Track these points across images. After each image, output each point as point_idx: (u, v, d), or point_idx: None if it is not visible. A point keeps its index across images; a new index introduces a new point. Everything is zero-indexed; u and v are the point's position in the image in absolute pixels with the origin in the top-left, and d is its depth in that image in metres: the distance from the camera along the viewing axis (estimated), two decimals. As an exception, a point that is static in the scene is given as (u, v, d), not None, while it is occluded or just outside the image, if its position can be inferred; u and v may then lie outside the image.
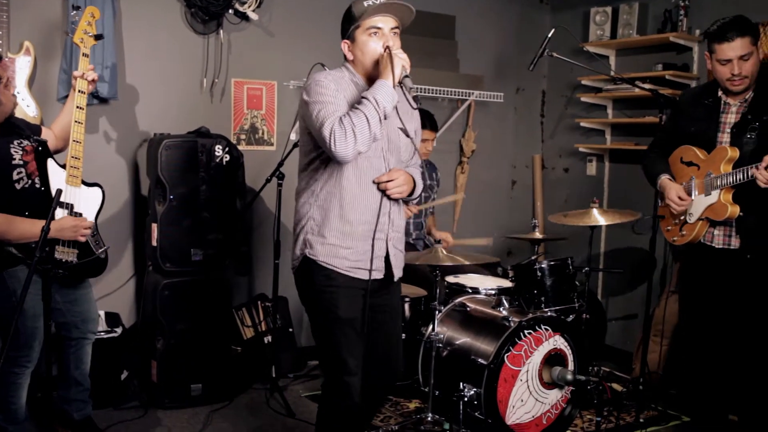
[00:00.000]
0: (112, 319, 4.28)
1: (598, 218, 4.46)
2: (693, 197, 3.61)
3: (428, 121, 4.72)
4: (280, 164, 4.31)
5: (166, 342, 4.12)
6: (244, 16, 4.71)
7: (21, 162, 3.27)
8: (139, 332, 4.35)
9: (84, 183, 3.40)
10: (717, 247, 3.59)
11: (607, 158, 5.61)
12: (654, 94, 4.22)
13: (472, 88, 5.38)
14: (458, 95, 5.33)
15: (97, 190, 3.49)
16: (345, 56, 2.88)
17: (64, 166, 3.33)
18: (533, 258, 4.57)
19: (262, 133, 4.89)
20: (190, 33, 4.61)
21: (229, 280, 4.47)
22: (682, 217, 3.68)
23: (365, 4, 2.75)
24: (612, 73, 5.16)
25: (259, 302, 4.77)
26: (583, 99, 5.49)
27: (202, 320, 4.21)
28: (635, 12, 5.13)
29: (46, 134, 3.44)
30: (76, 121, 3.33)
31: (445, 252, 3.99)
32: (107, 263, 3.56)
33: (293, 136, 4.77)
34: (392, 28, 2.78)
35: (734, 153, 3.45)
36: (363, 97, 2.67)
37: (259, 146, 4.89)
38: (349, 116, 2.62)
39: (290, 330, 4.84)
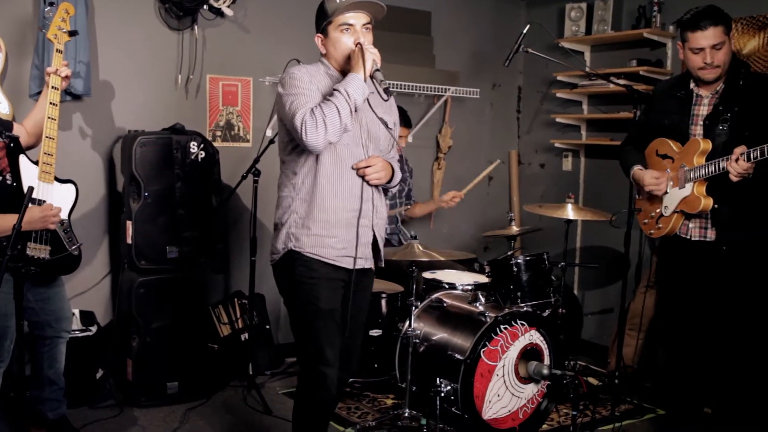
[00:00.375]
0: (87, 317, 4.24)
1: (571, 213, 4.48)
2: (668, 190, 3.64)
3: (402, 118, 4.72)
4: (256, 160, 4.29)
5: (141, 340, 4.10)
6: (219, 12, 4.68)
7: None
8: (115, 330, 4.32)
9: (57, 179, 3.37)
10: (693, 239, 3.62)
11: (582, 153, 5.65)
12: (628, 89, 4.26)
13: (448, 84, 5.38)
14: (434, 91, 5.33)
15: (70, 187, 3.45)
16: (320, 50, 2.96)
17: (36, 163, 3.29)
18: (509, 253, 4.60)
19: (238, 130, 4.87)
20: (165, 29, 4.58)
21: (206, 278, 4.46)
22: (658, 210, 3.70)
23: (337, 0, 2.81)
24: (587, 69, 5.20)
25: (235, 299, 4.75)
26: (558, 95, 5.52)
27: (178, 318, 4.19)
28: (610, 8, 5.16)
29: (17, 130, 3.40)
30: (49, 117, 3.29)
31: (421, 247, 4.00)
32: (80, 260, 3.52)
33: (269, 133, 4.77)
34: (364, 24, 2.86)
35: (707, 145, 3.48)
36: (334, 89, 2.75)
37: (235, 143, 4.86)
38: (321, 107, 2.71)
39: (267, 327, 4.83)
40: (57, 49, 3.40)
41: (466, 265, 4.70)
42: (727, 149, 3.42)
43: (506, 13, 5.94)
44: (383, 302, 4.24)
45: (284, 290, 3.00)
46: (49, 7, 3.83)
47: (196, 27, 4.63)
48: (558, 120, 5.58)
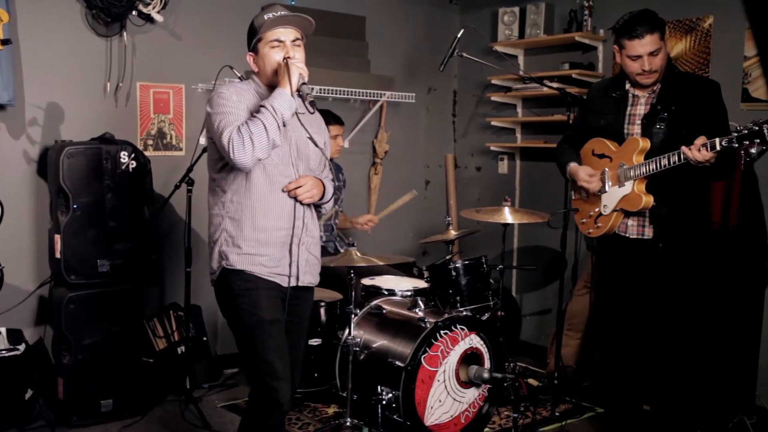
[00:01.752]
0: (14, 335, 4.07)
1: (508, 217, 4.51)
2: (607, 189, 3.68)
3: (331, 117, 4.69)
4: (190, 169, 4.20)
5: (73, 357, 3.96)
6: (148, 18, 4.57)
7: None
8: (44, 348, 4.18)
9: None
10: (631, 237, 3.67)
11: (518, 156, 5.69)
12: (561, 92, 4.32)
13: (384, 88, 5.37)
14: (370, 96, 5.32)
15: None
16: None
17: None
18: (448, 258, 4.60)
19: (170, 138, 4.77)
20: (92, 35, 4.45)
21: (139, 291, 4.33)
22: (597, 209, 3.74)
23: (265, 17, 2.83)
24: (521, 73, 5.25)
25: (171, 312, 4.64)
26: (493, 98, 5.55)
27: (111, 333, 4.06)
28: (542, 12, 5.22)
29: None
30: None
31: (359, 254, 3.96)
32: (2, 283, 3.35)
33: (203, 141, 4.65)
34: (293, 40, 2.86)
35: (645, 144, 3.53)
36: (261, 106, 2.74)
37: (168, 151, 4.75)
38: (247, 124, 2.70)
39: (204, 339, 4.73)
40: None
41: (405, 270, 4.68)
42: (665, 147, 3.48)
43: (440, 18, 5.96)
44: (322, 311, 4.19)
45: (226, 309, 2.94)
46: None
47: (125, 33, 4.51)
48: (493, 123, 5.62)
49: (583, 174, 3.74)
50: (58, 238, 3.97)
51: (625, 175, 3.60)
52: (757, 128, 3.13)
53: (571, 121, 4.21)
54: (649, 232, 3.64)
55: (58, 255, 3.98)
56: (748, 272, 4.04)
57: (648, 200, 3.55)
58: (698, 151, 3.32)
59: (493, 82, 5.49)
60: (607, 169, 3.70)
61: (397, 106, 5.71)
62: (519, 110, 5.59)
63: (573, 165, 3.82)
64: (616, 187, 3.66)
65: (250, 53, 2.93)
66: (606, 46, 5.03)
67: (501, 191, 5.62)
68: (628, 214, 3.66)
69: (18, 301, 4.25)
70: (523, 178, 5.67)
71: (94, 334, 4.02)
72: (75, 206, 3.96)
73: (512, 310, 5.22)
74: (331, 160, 4.86)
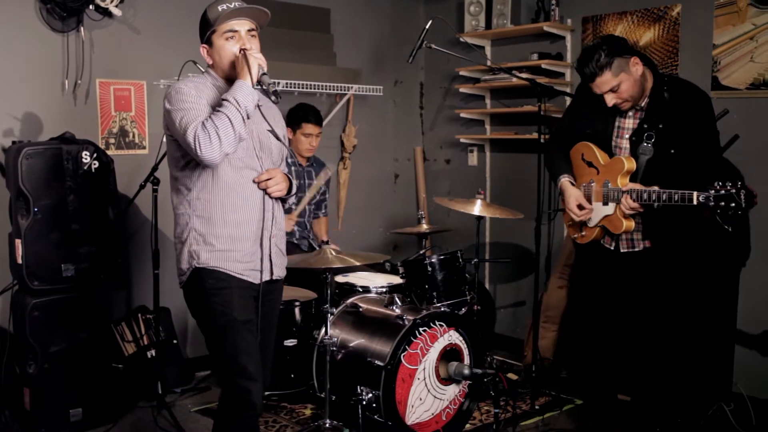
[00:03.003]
0: (-24, 345, 3.92)
1: (479, 210, 4.45)
2: (592, 203, 3.65)
3: (312, 116, 4.62)
4: (155, 168, 4.07)
5: (39, 366, 3.81)
6: (106, 12, 4.41)
7: None
8: (8, 358, 4.01)
9: None
10: (622, 251, 3.65)
11: (488, 148, 5.65)
12: (532, 83, 4.26)
13: (351, 82, 5.28)
14: (336, 90, 5.22)
15: None
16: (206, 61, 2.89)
17: None
18: (422, 252, 4.54)
19: (133, 136, 4.61)
20: (47, 31, 4.27)
21: (106, 295, 4.19)
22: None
23: (219, 8, 2.76)
24: (489, 64, 5.19)
25: (139, 315, 4.50)
26: (461, 90, 5.49)
27: (78, 340, 3.92)
28: (508, 2, 5.16)
29: None
30: None
31: (334, 253, 3.87)
32: None
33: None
34: (249, 30, 2.80)
35: (631, 165, 3.49)
36: (223, 99, 2.67)
37: (131, 150, 4.60)
38: (212, 119, 2.63)
39: (174, 342, 4.60)
40: None
41: (377, 265, 4.60)
42: (651, 166, 3.44)
43: (404, 9, 5.88)
44: (296, 310, 4.09)
45: (197, 311, 2.86)
46: None
47: (82, 28, 4.35)
48: (462, 115, 5.56)
49: (573, 204, 3.69)
50: (19, 242, 3.81)
51: (609, 195, 3.56)
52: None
53: (544, 113, 4.15)
54: (640, 245, 3.61)
55: (19, 260, 3.82)
56: (722, 257, 4.04)
57: (629, 225, 3.53)
58: (629, 197, 3.37)
59: (462, 73, 5.43)
60: (593, 182, 3.66)
61: (364, 99, 5.62)
62: (487, 101, 5.54)
63: (565, 181, 3.77)
64: (600, 204, 3.63)
65: (204, 45, 2.86)
66: (574, 35, 5.00)
67: (472, 183, 5.57)
68: (610, 234, 3.64)
69: (-22, 309, 4.09)
70: (493, 169, 5.63)
71: (61, 341, 3.87)
72: (36, 209, 3.81)
73: (486, 302, 5.18)
74: (314, 157, 4.79)
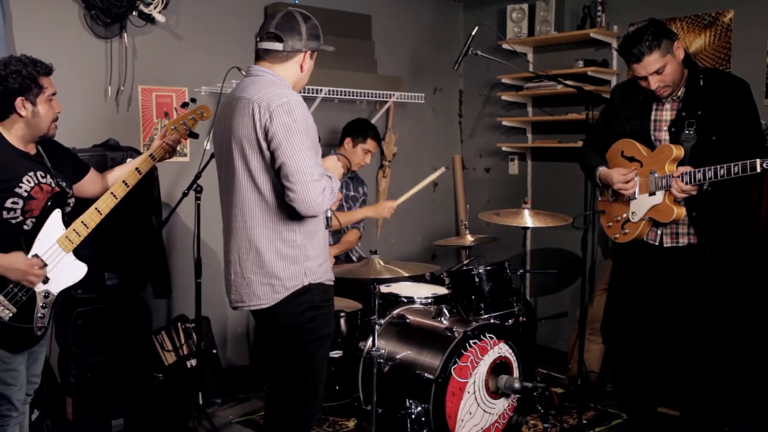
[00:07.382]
0: (18, 353, 3.87)
1: (528, 220, 4.38)
2: (636, 196, 3.54)
3: (377, 133, 4.64)
4: (198, 176, 4.01)
5: (81, 376, 3.78)
6: (149, 18, 4.38)
7: (24, 194, 2.87)
8: (50, 367, 3.97)
9: (75, 253, 3.01)
10: (665, 246, 3.53)
11: (529, 156, 5.56)
12: (579, 91, 4.17)
13: (392, 89, 5.21)
14: (378, 97, 5.16)
15: (81, 267, 3.05)
16: None
17: (67, 225, 2.98)
18: (466, 262, 4.45)
19: (174, 144, 4.56)
20: (91, 37, 4.25)
21: (147, 303, 4.15)
22: (625, 215, 3.60)
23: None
24: (533, 70, 5.10)
25: (179, 324, 4.44)
26: (504, 97, 5.41)
27: (119, 349, 3.89)
28: (552, 9, 5.08)
29: (91, 179, 3.26)
30: (111, 194, 3.12)
31: (382, 263, 3.80)
32: (33, 342, 2.99)
33: (208, 146, 4.48)
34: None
35: (679, 152, 3.38)
36: (328, 175, 2.77)
37: (172, 158, 4.55)
38: (330, 179, 2.75)
39: (214, 351, 4.54)
40: None
41: (417, 276, 4.51)
42: (696, 153, 3.35)
43: (444, 16, 5.82)
44: (342, 321, 4.02)
45: (296, 328, 2.79)
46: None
47: (125, 34, 4.32)
48: (504, 123, 5.47)
49: (618, 177, 3.58)
50: (63, 250, 3.77)
51: (657, 184, 3.45)
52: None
53: (591, 121, 4.06)
54: (684, 240, 3.51)
55: (63, 268, 3.78)
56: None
57: (680, 212, 3.41)
58: (682, 181, 3.29)
59: (503, 80, 5.35)
60: (637, 176, 3.55)
61: (403, 106, 5.55)
62: (530, 109, 5.45)
63: (603, 169, 3.67)
64: (645, 195, 3.52)
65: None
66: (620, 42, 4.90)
67: (512, 192, 5.48)
68: (657, 224, 3.53)
69: (20, 317, 4.04)
70: (534, 178, 5.53)
71: (103, 350, 3.85)
72: (81, 217, 3.77)
73: (528, 313, 5.07)
74: (355, 172, 4.71)
